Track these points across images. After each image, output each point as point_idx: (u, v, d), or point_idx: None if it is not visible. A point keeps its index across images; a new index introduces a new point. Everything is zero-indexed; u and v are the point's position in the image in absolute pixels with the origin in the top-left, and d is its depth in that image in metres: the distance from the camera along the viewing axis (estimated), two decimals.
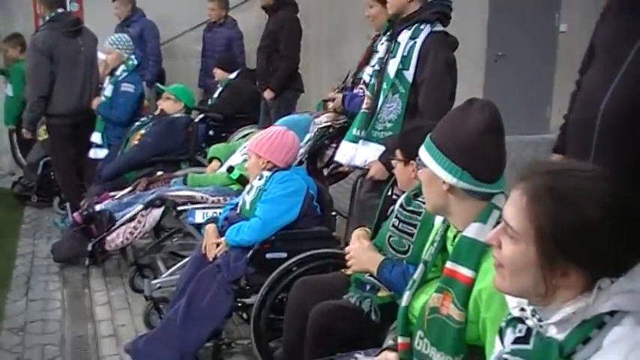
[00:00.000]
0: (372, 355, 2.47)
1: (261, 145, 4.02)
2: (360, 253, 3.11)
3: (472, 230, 2.18)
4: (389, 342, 2.47)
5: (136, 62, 6.63)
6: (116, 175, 5.87)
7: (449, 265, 2.21)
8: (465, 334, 2.13)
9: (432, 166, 2.24)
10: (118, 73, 6.55)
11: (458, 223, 2.27)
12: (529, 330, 1.63)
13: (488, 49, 10.21)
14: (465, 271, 2.14)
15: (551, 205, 1.50)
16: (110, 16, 8.25)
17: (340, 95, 5.00)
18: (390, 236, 3.08)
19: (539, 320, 1.60)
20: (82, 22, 6.76)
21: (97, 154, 6.49)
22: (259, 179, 4.01)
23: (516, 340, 1.64)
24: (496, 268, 1.65)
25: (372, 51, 4.96)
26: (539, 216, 1.51)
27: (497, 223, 2.12)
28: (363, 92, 4.65)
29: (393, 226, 3.08)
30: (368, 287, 3.09)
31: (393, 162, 3.24)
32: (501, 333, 1.73)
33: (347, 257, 3.18)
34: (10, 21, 8.31)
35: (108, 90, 6.51)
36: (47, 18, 6.44)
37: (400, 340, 2.36)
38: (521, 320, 1.66)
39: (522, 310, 1.66)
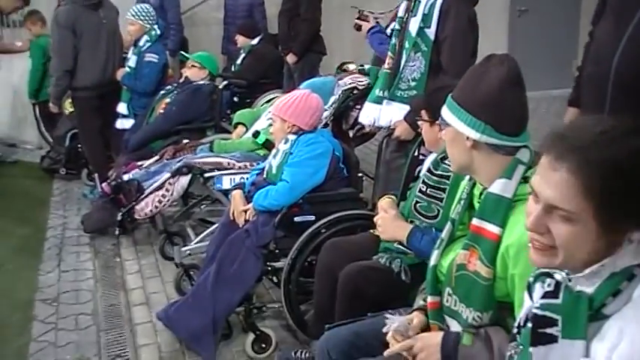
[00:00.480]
0: (402, 315, 2.46)
1: (286, 109, 4.00)
2: (387, 222, 3.05)
3: (497, 186, 2.15)
4: (419, 302, 2.45)
5: (158, 32, 6.62)
6: (143, 144, 5.89)
7: (475, 221, 2.18)
8: (494, 290, 2.11)
9: (455, 123, 2.22)
10: (141, 43, 6.56)
11: (484, 180, 2.24)
12: (558, 284, 1.60)
13: (511, 4, 10.09)
14: (492, 228, 2.12)
15: (602, 178, 1.47)
16: None
17: (370, 24, 4.87)
18: (417, 202, 3.03)
19: (568, 274, 1.58)
20: None
21: (124, 124, 6.53)
22: (285, 143, 4.00)
23: (545, 295, 1.61)
24: (541, 251, 1.60)
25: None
26: (595, 191, 1.47)
27: (523, 178, 2.12)
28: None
29: (421, 191, 3.03)
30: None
31: (419, 123, 3.21)
32: (530, 288, 1.71)
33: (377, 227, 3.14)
34: None
35: (132, 61, 6.53)
36: None
37: (430, 299, 2.35)
38: (549, 274, 1.64)
39: None
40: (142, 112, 6.42)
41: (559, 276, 1.60)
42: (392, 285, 2.97)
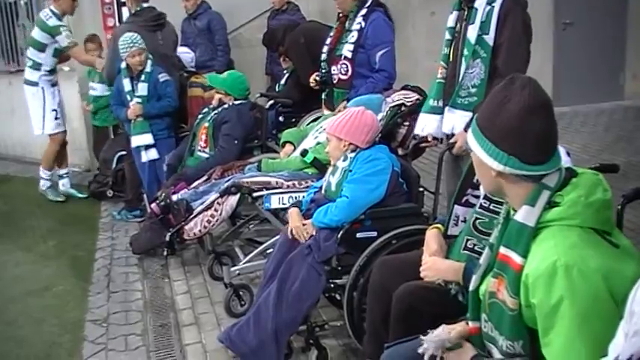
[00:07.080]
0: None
1: (341, 128, 3.99)
2: (437, 264, 2.95)
3: (521, 214, 2.12)
4: None
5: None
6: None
7: (502, 249, 2.17)
8: (522, 319, 2.09)
9: (479, 152, 2.18)
10: (148, 69, 6.33)
11: (515, 205, 2.20)
12: None
13: (555, 18, 10.03)
14: (516, 257, 2.09)
15: None
16: (178, 9, 8.27)
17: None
18: (477, 219, 2.96)
19: None
20: (165, 17, 6.79)
21: (149, 156, 6.45)
22: (344, 160, 4.00)
23: None
24: None
25: (342, 29, 5.47)
26: None
27: (548, 203, 2.08)
28: (347, 67, 5.35)
29: (482, 207, 2.96)
30: None
31: None
32: None
33: (422, 269, 2.97)
34: (81, 21, 8.42)
35: (143, 89, 6.32)
36: (132, 12, 6.62)
37: (471, 324, 2.35)
38: None
39: None
40: (161, 135, 6.43)
41: None
42: (448, 304, 2.89)
